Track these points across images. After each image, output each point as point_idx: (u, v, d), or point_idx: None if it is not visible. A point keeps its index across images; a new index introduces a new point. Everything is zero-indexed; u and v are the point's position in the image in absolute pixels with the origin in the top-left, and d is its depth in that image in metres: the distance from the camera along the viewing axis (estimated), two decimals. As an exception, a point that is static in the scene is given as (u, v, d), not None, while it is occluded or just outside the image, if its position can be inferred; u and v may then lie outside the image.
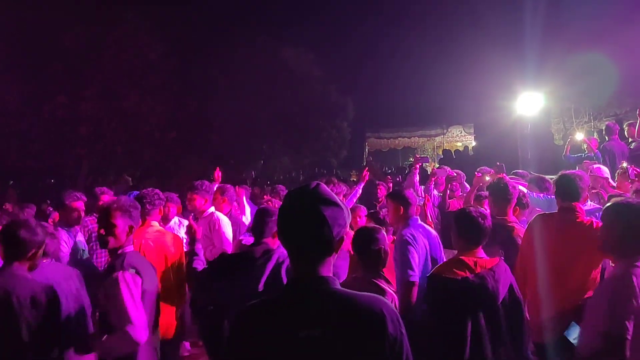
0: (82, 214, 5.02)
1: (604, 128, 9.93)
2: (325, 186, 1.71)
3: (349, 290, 1.63)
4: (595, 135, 13.52)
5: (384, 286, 3.49)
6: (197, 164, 18.68)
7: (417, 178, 7.29)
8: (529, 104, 11.83)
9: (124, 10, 16.42)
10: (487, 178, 6.44)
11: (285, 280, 3.03)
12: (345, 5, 24.62)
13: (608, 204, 2.92)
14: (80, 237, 5.00)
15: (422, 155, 18.08)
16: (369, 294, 1.64)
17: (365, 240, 3.62)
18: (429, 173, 8.71)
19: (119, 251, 3.07)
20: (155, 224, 4.38)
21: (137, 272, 2.96)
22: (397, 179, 10.86)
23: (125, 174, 16.99)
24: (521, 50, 21.02)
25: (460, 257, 3.08)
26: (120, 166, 17.44)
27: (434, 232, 4.41)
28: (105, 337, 2.86)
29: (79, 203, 4.95)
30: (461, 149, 21.83)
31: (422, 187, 7.74)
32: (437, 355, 2.94)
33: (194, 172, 16.70)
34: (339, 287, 1.63)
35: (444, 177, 7.21)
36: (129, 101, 16.00)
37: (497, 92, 13.07)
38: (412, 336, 1.66)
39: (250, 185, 11.54)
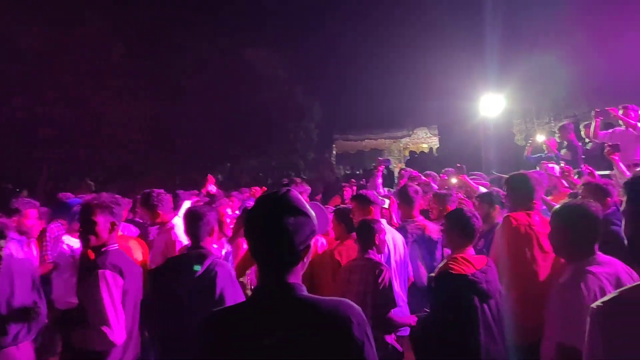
0: (37, 222, 4.83)
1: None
2: (295, 193, 1.69)
3: (315, 296, 1.62)
4: (556, 136, 13.87)
5: (376, 258, 3.73)
6: (163, 167, 18.41)
7: (380, 180, 7.36)
8: (491, 105, 12.08)
9: (83, 11, 16.07)
10: (454, 180, 6.58)
11: (218, 289, 2.99)
12: (310, 6, 24.60)
13: (555, 207, 2.85)
14: (33, 250, 4.81)
15: (386, 158, 18.25)
16: (336, 298, 1.63)
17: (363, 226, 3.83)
18: (395, 175, 8.80)
19: (102, 249, 2.98)
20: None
21: (120, 272, 2.89)
22: (362, 182, 10.92)
23: (88, 178, 16.61)
24: (483, 52, 21.43)
25: (457, 255, 3.26)
26: (83, 170, 17.05)
27: (397, 233, 4.45)
28: (81, 329, 2.84)
29: (32, 211, 4.76)
30: (426, 150, 22.13)
31: (387, 189, 7.86)
32: (452, 348, 3.15)
33: (161, 175, 16.47)
34: (305, 293, 1.62)
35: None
36: (91, 103, 15.65)
37: (460, 94, 13.31)
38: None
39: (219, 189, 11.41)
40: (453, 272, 3.14)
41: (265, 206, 1.66)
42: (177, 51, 19.34)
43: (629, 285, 1.73)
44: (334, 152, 28.31)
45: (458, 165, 6.57)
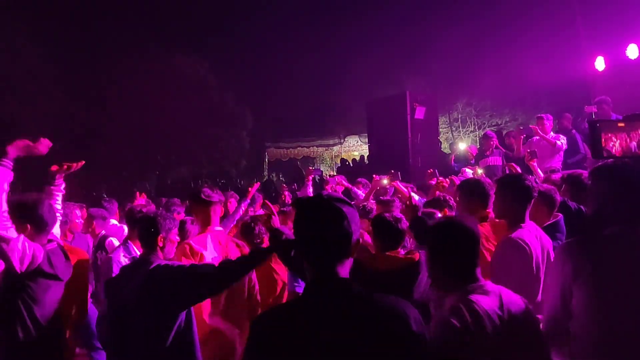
0: None
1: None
2: (337, 193, 1.77)
3: (371, 292, 1.64)
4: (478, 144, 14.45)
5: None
6: (85, 175, 17.51)
7: (311, 190, 7.53)
8: (418, 115, 12.40)
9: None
10: (385, 182, 6.69)
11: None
12: (241, 14, 24.43)
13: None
14: None
15: (317, 168, 18.44)
16: (391, 295, 1.66)
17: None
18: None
19: None
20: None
21: None
22: (293, 187, 11.05)
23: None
24: (411, 60, 22.09)
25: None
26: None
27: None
28: None
29: None
30: (357, 158, 22.40)
31: None
32: None
33: (84, 184, 15.63)
34: (359, 289, 1.64)
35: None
36: (4, 109, 14.66)
37: (388, 103, 13.57)
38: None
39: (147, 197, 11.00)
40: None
41: (317, 200, 1.70)
42: (102, 56, 18.57)
43: None
44: (266, 159, 28.16)
45: (392, 171, 6.70)
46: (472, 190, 3.85)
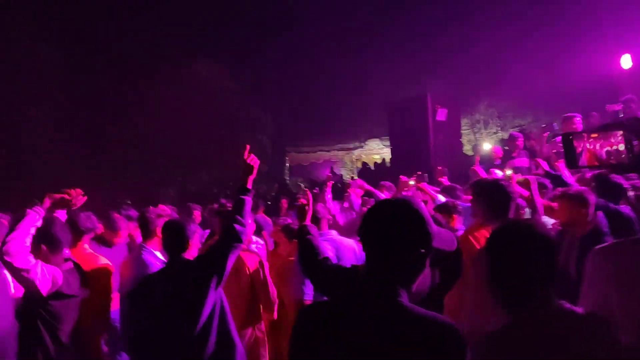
0: None
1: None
2: (415, 200, 1.74)
3: (417, 307, 1.59)
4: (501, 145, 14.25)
5: None
6: (110, 182, 17.73)
7: (330, 195, 7.52)
8: (439, 116, 12.30)
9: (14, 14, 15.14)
10: (412, 182, 6.64)
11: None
12: (261, 19, 24.56)
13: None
14: None
15: (335, 173, 18.44)
16: (437, 315, 1.59)
17: None
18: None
19: None
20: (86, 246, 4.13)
21: None
22: (315, 190, 11.04)
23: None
24: (431, 64, 21.96)
25: None
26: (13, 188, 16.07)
27: (348, 243, 4.40)
28: None
29: None
30: (379, 161, 22.33)
31: (338, 202, 8.00)
32: None
33: (109, 190, 15.79)
34: (406, 302, 1.58)
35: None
36: (25, 117, 14.78)
37: (409, 105, 13.50)
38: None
39: (171, 204, 11.12)
40: None
41: (392, 212, 1.66)
42: (123, 64, 18.78)
43: None
44: (287, 164, 28.21)
45: (419, 173, 6.67)
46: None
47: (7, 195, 15.33)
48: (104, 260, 3.99)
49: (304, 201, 3.36)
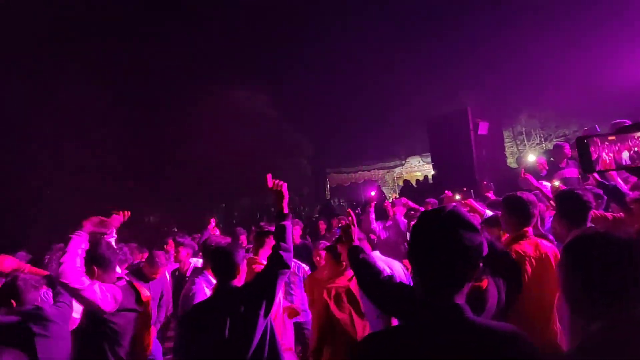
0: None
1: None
2: (461, 209, 1.66)
3: (486, 320, 1.58)
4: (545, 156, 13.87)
5: None
6: (158, 210, 18.22)
7: (373, 216, 7.44)
8: (481, 130, 12.10)
9: (66, 61, 16.02)
10: (457, 197, 6.52)
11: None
12: (296, 43, 24.93)
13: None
14: None
15: (377, 193, 18.27)
16: (508, 325, 1.57)
17: None
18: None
19: None
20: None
21: None
22: (357, 211, 10.98)
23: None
24: (469, 78, 21.71)
25: None
26: (75, 222, 16.68)
27: (394, 262, 4.33)
28: None
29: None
30: (421, 178, 22.10)
31: (380, 222, 7.91)
32: None
33: (158, 218, 16.20)
34: (473, 316, 1.56)
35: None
36: (77, 154, 15.47)
37: (449, 121, 13.35)
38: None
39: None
40: None
41: (440, 222, 1.60)
42: (165, 95, 19.38)
43: None
44: (328, 185, 28.26)
45: (464, 189, 6.55)
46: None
47: (70, 223, 15.98)
48: (145, 292, 4.06)
49: (347, 221, 3.31)
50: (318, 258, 5.24)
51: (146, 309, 3.72)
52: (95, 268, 3.37)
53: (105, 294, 3.19)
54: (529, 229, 3.45)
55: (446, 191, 6.78)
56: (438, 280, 1.57)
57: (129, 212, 4.12)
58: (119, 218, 3.84)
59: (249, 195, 22.75)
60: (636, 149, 2.05)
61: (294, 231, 6.70)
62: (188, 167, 19.45)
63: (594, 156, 2.16)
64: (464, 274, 1.57)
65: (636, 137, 2.03)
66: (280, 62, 24.75)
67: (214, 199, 21.96)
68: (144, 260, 5.84)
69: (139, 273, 5.57)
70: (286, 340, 4.47)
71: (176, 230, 18.19)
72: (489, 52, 21.10)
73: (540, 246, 3.33)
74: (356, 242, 2.99)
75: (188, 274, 5.58)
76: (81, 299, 3.15)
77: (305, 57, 24.64)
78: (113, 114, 17.01)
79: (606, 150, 2.14)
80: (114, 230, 4.07)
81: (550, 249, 3.38)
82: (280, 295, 3.56)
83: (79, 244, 3.30)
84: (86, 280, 3.14)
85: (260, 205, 23.60)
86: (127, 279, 3.70)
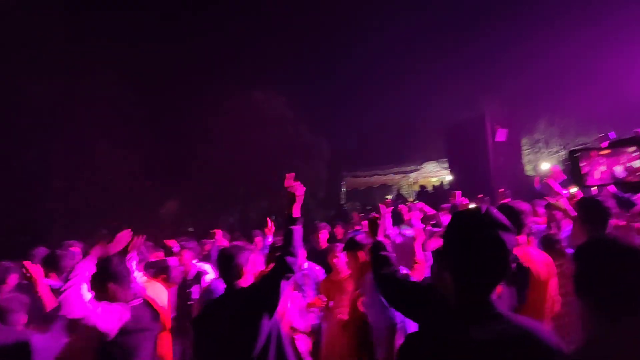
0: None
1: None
2: (495, 209, 1.68)
3: (519, 317, 1.62)
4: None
5: None
6: (172, 212, 18.40)
7: (390, 220, 7.46)
8: (499, 137, 12.05)
9: (92, 61, 16.37)
10: (473, 206, 6.53)
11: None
12: (315, 47, 25.05)
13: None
14: None
15: (394, 199, 18.18)
16: (533, 320, 1.63)
17: None
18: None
19: None
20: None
21: None
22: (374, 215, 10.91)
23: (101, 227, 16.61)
24: (487, 84, 21.60)
25: None
26: (94, 219, 17.01)
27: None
28: None
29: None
30: (437, 183, 22.03)
31: (398, 227, 7.86)
32: None
33: (173, 221, 16.38)
34: (506, 312, 1.61)
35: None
36: (100, 152, 15.77)
37: (468, 128, 13.30)
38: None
39: (229, 231, 11.31)
40: None
41: (477, 223, 1.62)
42: (185, 97, 19.61)
43: None
44: (344, 189, 28.24)
45: (480, 196, 6.56)
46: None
47: (95, 226, 16.34)
48: (162, 298, 4.14)
49: (376, 215, 3.33)
50: (335, 260, 5.24)
51: (164, 323, 3.74)
52: (110, 285, 3.31)
53: (109, 316, 3.12)
54: (521, 237, 3.46)
55: (455, 192, 6.77)
56: (475, 278, 1.61)
57: (144, 236, 4.08)
58: (125, 237, 3.71)
59: (266, 197, 22.83)
60: (630, 163, 2.06)
61: (321, 235, 6.76)
62: (208, 168, 19.62)
63: (585, 170, 2.15)
64: (500, 273, 1.61)
65: (631, 151, 2.04)
66: (301, 65, 24.89)
67: (231, 201, 22.08)
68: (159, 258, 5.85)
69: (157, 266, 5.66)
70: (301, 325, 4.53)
71: (192, 229, 18.36)
72: (508, 59, 21.00)
73: (529, 254, 3.38)
74: (380, 237, 3.00)
75: (190, 277, 5.62)
76: (80, 329, 3.10)
77: (325, 62, 24.76)
78: (137, 114, 17.28)
79: (599, 164, 2.14)
80: (135, 252, 4.07)
81: (541, 256, 3.44)
82: (286, 299, 3.55)
83: (86, 269, 3.24)
84: (89, 305, 3.07)
85: (277, 207, 23.64)
86: (144, 296, 3.67)
